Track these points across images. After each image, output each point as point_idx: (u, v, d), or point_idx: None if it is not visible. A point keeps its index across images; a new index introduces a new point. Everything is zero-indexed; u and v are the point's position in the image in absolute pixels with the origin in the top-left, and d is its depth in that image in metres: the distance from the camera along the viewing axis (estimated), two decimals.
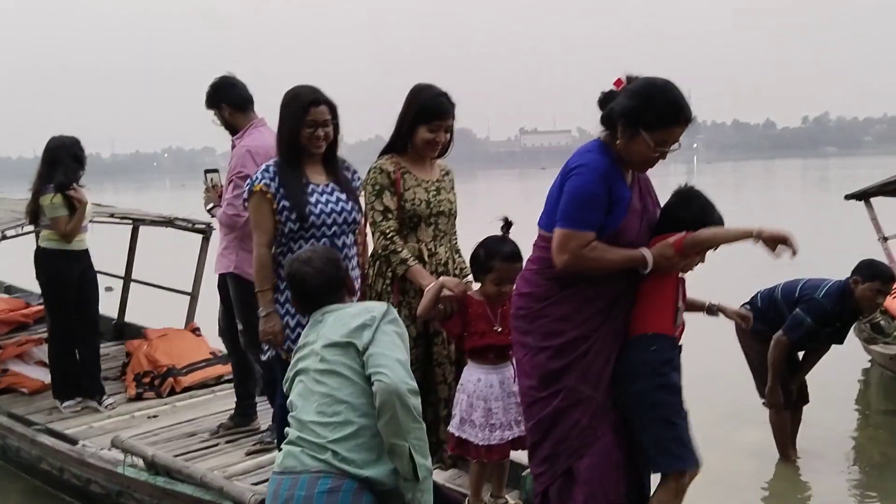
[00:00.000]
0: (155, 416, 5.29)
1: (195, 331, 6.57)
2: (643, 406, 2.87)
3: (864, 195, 7.79)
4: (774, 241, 2.69)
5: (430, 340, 3.55)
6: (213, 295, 5.13)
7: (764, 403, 5.05)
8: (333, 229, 3.54)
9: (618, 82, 2.91)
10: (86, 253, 5.56)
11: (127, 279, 7.27)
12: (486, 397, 3.28)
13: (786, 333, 4.78)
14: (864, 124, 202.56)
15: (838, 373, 6.46)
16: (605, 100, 2.93)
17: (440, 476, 3.80)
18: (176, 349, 6.06)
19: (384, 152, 3.61)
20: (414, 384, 2.61)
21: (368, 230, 3.68)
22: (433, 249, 3.57)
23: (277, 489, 2.63)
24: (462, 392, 3.34)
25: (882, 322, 6.18)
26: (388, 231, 3.45)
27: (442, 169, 3.72)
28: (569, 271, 2.82)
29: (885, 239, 8.25)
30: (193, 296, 6.90)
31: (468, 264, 3.44)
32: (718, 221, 2.91)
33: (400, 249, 3.43)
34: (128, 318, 7.24)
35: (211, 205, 4.61)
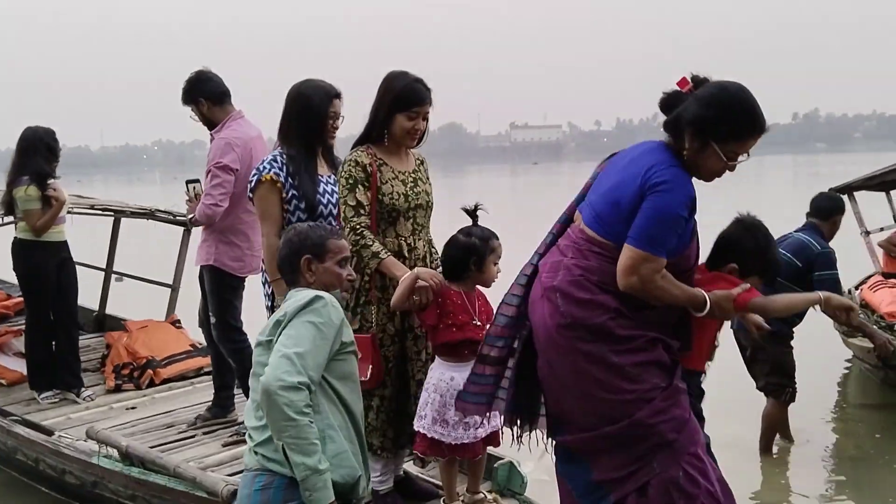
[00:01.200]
0: (133, 408, 5.28)
1: (175, 323, 6.56)
2: None
3: (847, 189, 7.88)
4: (839, 310, 2.63)
5: (404, 336, 3.49)
6: (194, 287, 5.13)
7: (769, 394, 5.15)
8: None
9: (682, 82, 2.70)
10: (64, 244, 5.54)
11: (108, 271, 7.24)
12: None
13: (831, 290, 4.82)
14: (853, 121, 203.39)
15: (820, 367, 6.50)
16: (668, 102, 2.71)
17: (414, 468, 3.81)
18: (156, 341, 6.04)
19: (358, 143, 3.50)
20: (295, 379, 2.51)
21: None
22: (412, 244, 3.48)
23: (239, 486, 2.75)
24: (434, 391, 3.24)
25: (861, 316, 6.21)
26: (358, 227, 3.33)
27: (417, 158, 3.62)
28: (631, 293, 2.64)
29: (868, 233, 8.41)
30: (174, 288, 6.89)
31: (460, 256, 3.29)
32: (778, 254, 2.79)
33: (370, 243, 3.32)
34: (109, 311, 7.22)
35: (192, 215, 4.59)
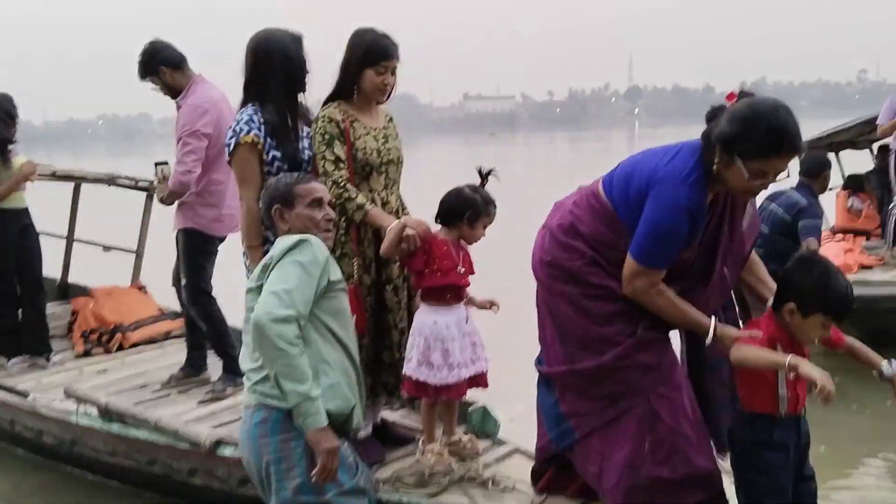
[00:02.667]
0: (105, 371, 5.29)
1: (141, 289, 6.56)
2: (739, 482, 2.81)
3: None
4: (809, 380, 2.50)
5: (382, 287, 3.56)
6: (157, 253, 5.15)
7: None
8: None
9: (730, 96, 2.68)
10: (25, 211, 5.50)
11: (69, 239, 7.17)
12: (443, 338, 3.33)
13: (813, 236, 5.54)
14: (799, 89, 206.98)
15: None
16: (712, 115, 2.70)
17: (391, 415, 3.93)
18: (123, 306, 6.05)
19: (329, 100, 3.53)
20: (283, 312, 2.61)
21: None
22: (385, 198, 3.54)
23: (241, 423, 2.87)
24: (418, 335, 3.36)
25: None
26: (340, 180, 3.37)
27: (386, 115, 3.66)
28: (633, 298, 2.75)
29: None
30: (138, 254, 6.86)
31: (459, 206, 3.37)
32: (842, 288, 2.64)
33: (354, 196, 3.37)
34: (71, 279, 7.17)
35: (163, 195, 4.60)
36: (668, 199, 2.62)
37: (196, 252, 4.63)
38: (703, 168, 2.64)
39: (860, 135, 8.92)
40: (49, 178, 6.51)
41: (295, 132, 3.56)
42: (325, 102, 3.54)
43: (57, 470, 4.58)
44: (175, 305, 5.98)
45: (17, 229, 5.41)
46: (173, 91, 4.61)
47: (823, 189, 5.88)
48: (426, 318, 3.37)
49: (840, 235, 8.32)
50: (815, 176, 5.77)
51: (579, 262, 2.82)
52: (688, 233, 2.65)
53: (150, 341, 5.79)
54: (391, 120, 3.69)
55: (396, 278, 3.54)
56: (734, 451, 2.83)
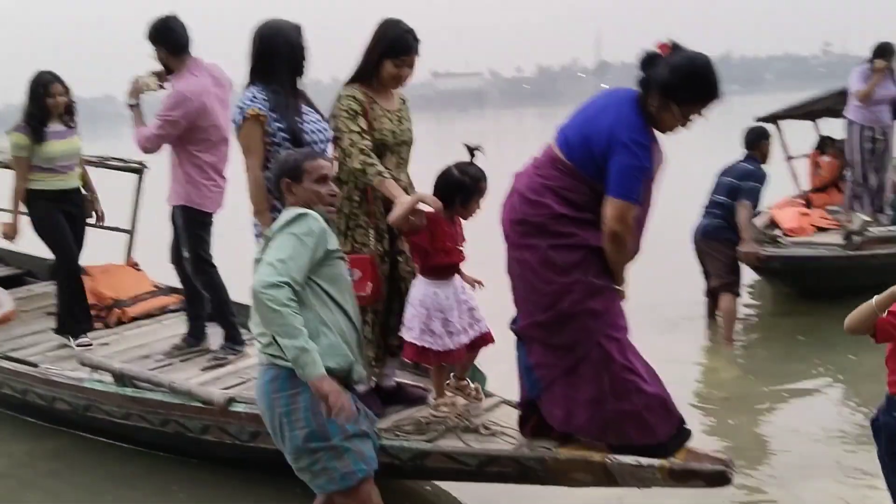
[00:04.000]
0: (107, 344, 5.53)
1: (135, 266, 6.79)
2: (885, 469, 2.98)
3: (773, 118, 9.13)
4: None
5: (396, 258, 3.84)
6: (150, 231, 5.40)
7: (726, 291, 6.29)
8: (321, 146, 3.85)
9: (663, 47, 3.08)
10: (63, 193, 5.51)
11: None
12: (442, 308, 3.59)
13: (748, 199, 6.16)
14: (765, 62, 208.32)
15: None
16: (646, 62, 3.10)
17: (402, 376, 4.18)
18: (119, 283, 6.27)
19: (350, 82, 3.78)
20: (275, 279, 2.85)
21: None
22: (397, 177, 3.75)
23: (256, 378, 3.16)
24: (420, 306, 3.60)
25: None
26: (365, 148, 3.62)
27: (400, 97, 3.92)
28: (612, 237, 3.08)
29: (791, 158, 9.54)
30: (131, 233, 7.07)
31: (449, 190, 3.58)
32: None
33: (376, 163, 3.60)
34: None
35: (134, 101, 4.88)
36: (635, 145, 3.04)
37: (194, 224, 4.91)
38: (644, 112, 3.09)
39: (836, 104, 9.42)
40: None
41: (297, 109, 3.82)
42: (347, 84, 3.80)
43: (70, 435, 4.86)
44: (169, 281, 6.26)
45: (65, 209, 5.48)
46: (167, 68, 4.87)
47: (765, 158, 6.40)
48: (427, 290, 3.62)
49: (800, 200, 8.86)
50: (753, 147, 6.37)
51: (546, 213, 3.19)
52: (650, 167, 3.09)
53: (148, 316, 6.02)
54: (405, 102, 3.96)
55: (409, 250, 3.80)
56: (879, 437, 2.98)
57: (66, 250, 5.46)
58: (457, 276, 3.71)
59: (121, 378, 4.25)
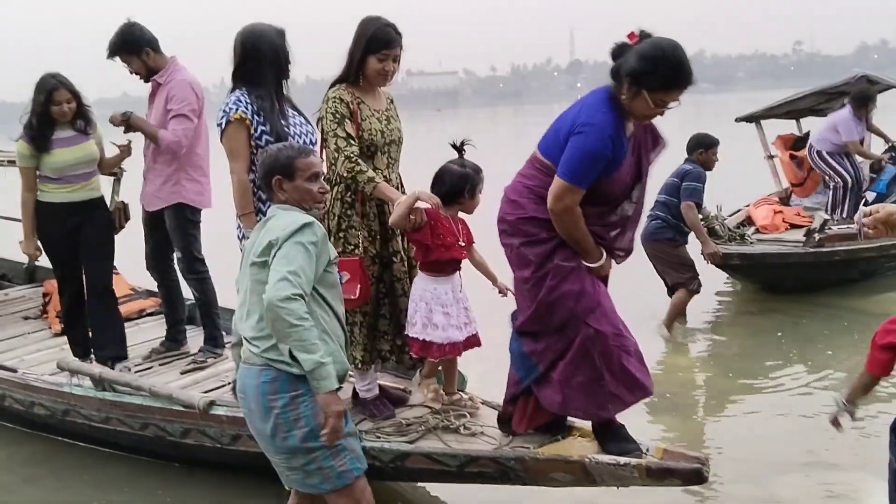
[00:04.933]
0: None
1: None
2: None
3: (752, 118, 9.59)
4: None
5: (389, 259, 3.82)
6: (125, 234, 5.28)
7: (689, 289, 6.50)
8: None
9: (631, 35, 3.08)
10: (72, 206, 4.94)
11: None
12: (443, 303, 3.65)
13: (690, 199, 6.37)
14: (736, 61, 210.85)
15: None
16: (618, 52, 3.11)
17: (383, 379, 4.18)
18: None
19: (336, 83, 3.76)
20: (291, 292, 2.84)
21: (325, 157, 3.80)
22: (388, 176, 3.77)
23: (240, 374, 3.13)
24: (420, 301, 3.66)
25: (717, 227, 7.30)
26: (352, 155, 3.60)
27: (387, 97, 3.92)
28: (553, 216, 3.17)
29: (771, 157, 9.85)
30: None
31: (458, 184, 3.63)
32: None
33: (366, 170, 3.60)
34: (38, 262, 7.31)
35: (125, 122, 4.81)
36: (594, 129, 3.06)
37: (187, 223, 4.93)
38: (615, 102, 3.11)
39: (817, 103, 9.96)
40: (8, 165, 6.63)
41: (282, 112, 3.85)
42: (332, 85, 3.78)
43: (49, 440, 4.84)
44: (146, 284, 6.25)
45: (71, 226, 4.93)
46: (150, 72, 4.84)
47: (706, 165, 6.50)
48: (426, 286, 3.68)
49: (775, 198, 9.13)
50: (690, 152, 6.54)
51: (520, 214, 3.31)
52: (611, 157, 3.08)
53: (126, 319, 5.98)
54: (392, 101, 3.96)
55: (404, 250, 3.83)
56: None
57: (64, 271, 5.05)
58: (457, 275, 3.76)
59: (100, 382, 4.24)
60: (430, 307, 3.65)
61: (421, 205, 3.55)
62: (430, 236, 3.60)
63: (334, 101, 3.69)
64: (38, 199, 4.89)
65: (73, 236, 4.92)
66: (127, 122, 4.80)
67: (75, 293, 5.08)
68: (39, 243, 5.01)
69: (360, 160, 3.64)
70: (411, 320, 3.70)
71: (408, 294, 3.80)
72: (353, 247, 3.73)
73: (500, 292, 3.86)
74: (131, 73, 4.89)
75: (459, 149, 3.71)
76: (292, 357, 2.91)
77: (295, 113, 3.95)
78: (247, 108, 3.75)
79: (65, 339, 5.68)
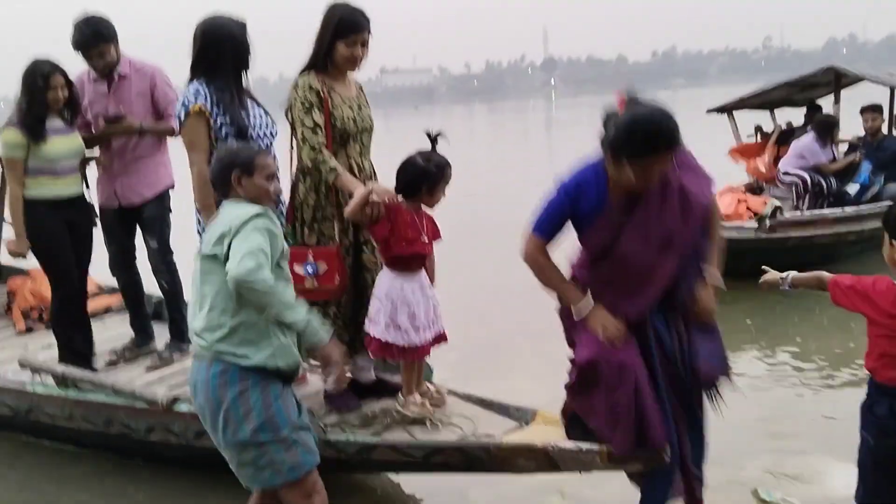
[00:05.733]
0: (49, 346, 5.43)
1: None
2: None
3: (724, 109, 9.90)
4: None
5: (360, 249, 3.79)
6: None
7: None
8: (266, 141, 3.85)
9: (620, 102, 3.01)
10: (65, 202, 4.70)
11: None
12: (409, 302, 3.49)
13: None
14: (708, 57, 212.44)
15: None
16: (605, 121, 3.02)
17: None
18: None
19: (305, 70, 3.70)
20: (252, 264, 2.82)
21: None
22: (360, 164, 3.77)
23: (191, 370, 3.13)
24: (385, 299, 3.50)
25: None
26: (317, 145, 3.57)
27: (357, 84, 3.87)
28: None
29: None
30: None
31: (414, 179, 3.49)
32: None
33: (328, 160, 3.57)
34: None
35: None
36: (558, 183, 3.10)
37: (166, 211, 4.92)
38: (602, 168, 3.05)
39: (789, 94, 10.22)
40: None
41: (241, 104, 3.82)
42: (301, 73, 3.71)
43: (12, 439, 4.79)
44: (111, 281, 6.18)
45: (65, 220, 4.68)
46: (113, 64, 4.71)
47: None
48: (393, 283, 3.52)
49: (738, 186, 9.31)
50: None
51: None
52: (570, 210, 3.06)
53: (91, 316, 5.94)
54: (361, 88, 3.91)
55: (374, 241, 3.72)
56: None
57: (63, 272, 4.76)
58: (423, 272, 3.63)
59: (63, 380, 4.19)
60: (395, 306, 3.51)
61: (374, 198, 3.44)
62: (389, 230, 3.49)
63: (303, 90, 3.63)
64: (29, 194, 4.54)
65: (66, 233, 4.68)
66: (141, 131, 4.72)
67: (75, 294, 4.84)
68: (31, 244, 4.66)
69: (324, 149, 3.60)
70: (374, 318, 3.56)
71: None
72: (327, 238, 3.68)
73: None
74: (100, 66, 4.69)
75: (433, 140, 3.57)
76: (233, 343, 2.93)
77: (254, 104, 3.92)
78: (206, 100, 3.72)
79: (28, 337, 5.66)
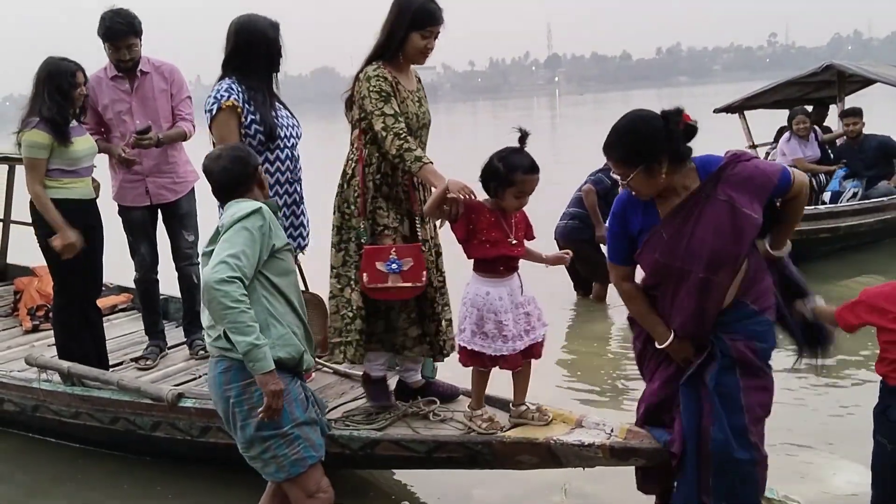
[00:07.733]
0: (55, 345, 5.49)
1: None
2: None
3: (731, 109, 9.88)
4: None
5: (421, 244, 3.58)
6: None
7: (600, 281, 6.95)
8: (292, 141, 3.88)
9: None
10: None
11: (6, 221, 7.24)
12: (496, 310, 3.25)
13: (592, 184, 6.84)
14: (713, 54, 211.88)
15: None
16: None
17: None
18: None
19: (371, 60, 3.57)
20: (224, 274, 2.83)
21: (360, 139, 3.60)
22: None
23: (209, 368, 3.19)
24: (471, 306, 3.29)
25: None
26: (401, 132, 3.40)
27: (417, 77, 3.76)
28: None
29: (755, 146, 10.03)
30: None
31: (485, 177, 3.25)
32: None
33: (414, 148, 3.39)
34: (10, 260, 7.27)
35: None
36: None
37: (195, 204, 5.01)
38: None
39: (804, 93, 10.24)
40: None
41: (271, 103, 3.85)
42: (367, 62, 3.58)
43: (19, 436, 4.82)
44: (118, 280, 6.23)
45: (86, 222, 4.56)
46: (136, 59, 4.70)
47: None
48: (479, 289, 3.29)
49: None
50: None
51: None
52: (624, 230, 3.08)
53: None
54: (420, 81, 3.79)
55: (431, 239, 3.67)
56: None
57: (72, 279, 4.59)
58: (516, 277, 3.35)
59: (69, 377, 4.22)
60: (481, 314, 3.27)
61: (451, 195, 3.20)
62: (467, 230, 3.25)
63: (378, 80, 3.49)
64: (50, 196, 4.40)
65: (87, 236, 4.51)
66: (158, 143, 4.64)
67: (77, 299, 4.67)
68: (42, 248, 4.54)
69: (409, 137, 3.44)
70: (460, 326, 3.35)
71: (433, 283, 3.63)
72: (381, 227, 3.56)
73: (555, 262, 3.54)
74: (126, 58, 4.63)
75: (522, 138, 3.25)
76: (228, 340, 2.94)
77: (281, 106, 3.95)
78: (238, 97, 3.74)
79: (35, 336, 5.69)
